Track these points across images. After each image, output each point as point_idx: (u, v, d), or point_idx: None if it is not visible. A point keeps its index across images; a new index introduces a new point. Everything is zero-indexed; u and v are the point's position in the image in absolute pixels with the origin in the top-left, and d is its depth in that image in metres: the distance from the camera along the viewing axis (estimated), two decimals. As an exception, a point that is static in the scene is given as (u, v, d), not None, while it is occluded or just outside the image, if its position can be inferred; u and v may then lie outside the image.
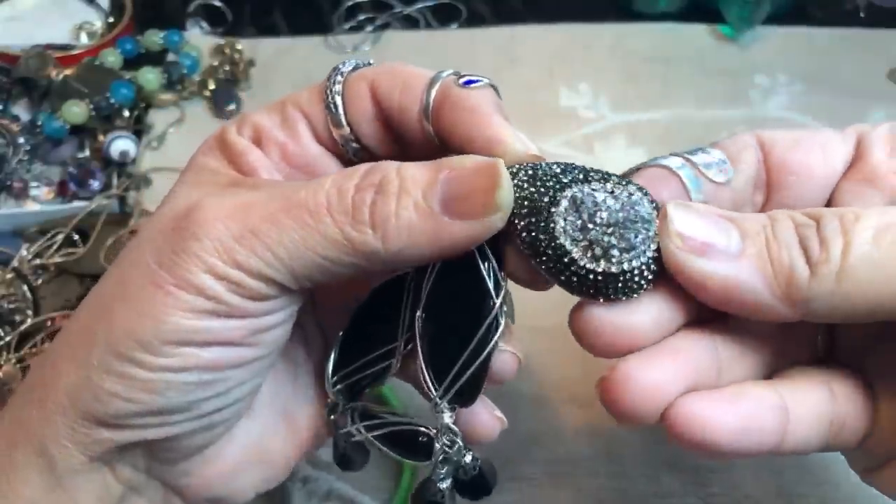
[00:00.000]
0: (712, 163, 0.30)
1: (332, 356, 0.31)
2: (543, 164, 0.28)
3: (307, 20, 0.68)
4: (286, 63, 0.65)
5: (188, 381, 0.27)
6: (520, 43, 0.65)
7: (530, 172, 0.27)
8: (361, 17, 0.68)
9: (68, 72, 0.60)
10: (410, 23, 0.68)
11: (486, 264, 0.27)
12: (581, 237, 0.26)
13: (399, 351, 0.30)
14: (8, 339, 0.48)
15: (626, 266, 0.26)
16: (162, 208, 0.29)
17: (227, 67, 0.63)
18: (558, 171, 0.27)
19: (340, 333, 0.32)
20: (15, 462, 0.27)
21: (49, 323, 0.49)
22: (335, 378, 0.31)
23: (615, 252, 0.26)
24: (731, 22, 0.64)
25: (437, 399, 0.27)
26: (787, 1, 0.66)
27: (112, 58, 0.61)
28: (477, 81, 0.29)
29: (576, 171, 0.27)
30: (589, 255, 0.26)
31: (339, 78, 0.30)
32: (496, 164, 0.26)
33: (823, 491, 0.42)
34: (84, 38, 0.65)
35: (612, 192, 0.27)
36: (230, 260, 0.25)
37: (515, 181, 0.27)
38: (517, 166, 0.27)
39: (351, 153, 0.31)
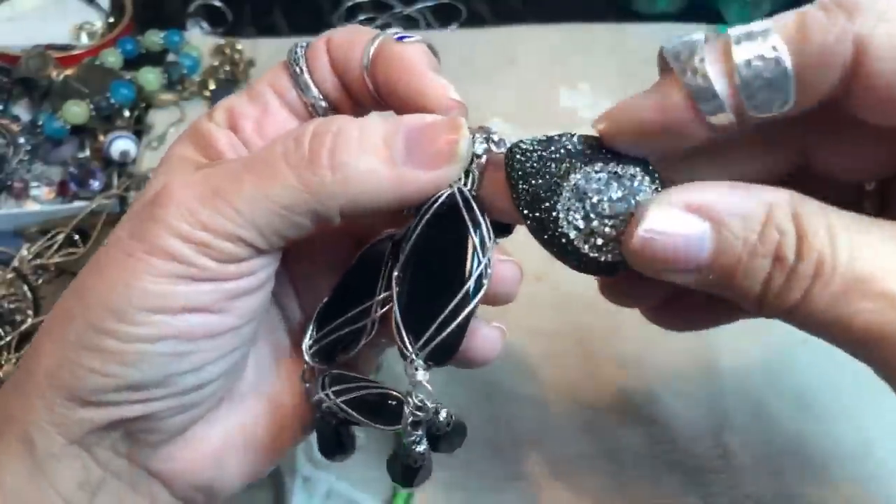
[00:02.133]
0: (758, 74, 0.25)
1: (313, 320, 0.31)
2: (551, 143, 0.28)
3: (307, 20, 0.68)
4: (286, 63, 0.65)
5: (162, 351, 0.26)
6: (520, 43, 0.65)
7: (535, 158, 0.27)
8: (361, 17, 0.68)
9: (69, 72, 0.60)
10: (410, 23, 0.68)
11: (473, 224, 0.27)
12: (584, 226, 0.27)
13: (375, 308, 0.29)
14: (8, 339, 0.48)
15: (621, 257, 0.26)
16: (138, 197, 0.29)
17: (228, 67, 0.63)
18: (563, 152, 0.27)
19: (325, 299, 0.31)
20: None
21: (49, 323, 0.49)
22: (311, 341, 0.30)
23: (613, 245, 0.27)
24: (730, 22, 0.64)
25: (414, 354, 0.26)
26: (787, 1, 0.66)
27: (112, 58, 0.61)
28: (409, 37, 0.29)
29: (578, 153, 0.27)
30: (591, 243, 0.27)
31: (302, 44, 0.31)
32: (458, 118, 0.27)
33: (823, 491, 0.42)
34: (84, 39, 0.65)
35: (616, 174, 0.27)
36: (196, 222, 0.26)
37: (523, 159, 0.27)
38: (525, 142, 0.28)
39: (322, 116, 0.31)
